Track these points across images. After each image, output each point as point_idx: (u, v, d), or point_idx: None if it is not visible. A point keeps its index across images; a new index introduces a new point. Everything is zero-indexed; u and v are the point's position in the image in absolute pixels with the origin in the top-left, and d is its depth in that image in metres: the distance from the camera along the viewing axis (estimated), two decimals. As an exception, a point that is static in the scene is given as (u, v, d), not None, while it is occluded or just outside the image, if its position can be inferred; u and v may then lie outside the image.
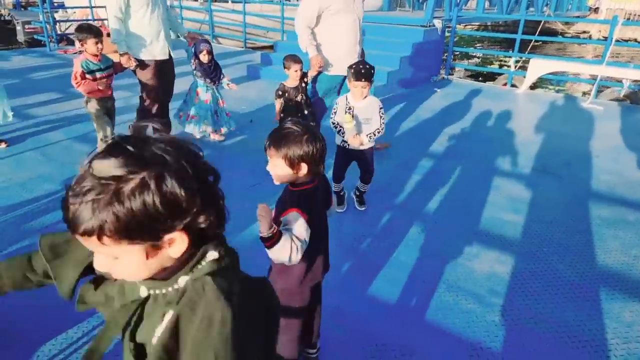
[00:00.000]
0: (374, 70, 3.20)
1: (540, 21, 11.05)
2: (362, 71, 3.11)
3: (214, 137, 5.08)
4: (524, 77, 8.35)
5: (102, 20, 11.40)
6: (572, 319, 2.58)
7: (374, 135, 3.33)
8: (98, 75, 4.00)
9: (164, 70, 4.64)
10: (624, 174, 4.52)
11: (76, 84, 3.95)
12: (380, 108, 3.35)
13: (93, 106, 4.05)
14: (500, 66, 13.00)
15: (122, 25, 4.21)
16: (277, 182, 1.75)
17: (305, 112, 4.33)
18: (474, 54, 15.57)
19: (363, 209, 3.75)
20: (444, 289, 2.81)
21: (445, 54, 9.39)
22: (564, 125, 6.11)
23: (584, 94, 8.89)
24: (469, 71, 12.23)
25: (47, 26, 10.88)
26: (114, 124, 4.41)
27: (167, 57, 4.63)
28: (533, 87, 8.28)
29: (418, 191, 4.14)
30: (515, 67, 10.44)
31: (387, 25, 8.83)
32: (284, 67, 4.27)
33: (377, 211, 3.77)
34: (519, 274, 2.97)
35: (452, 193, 4.08)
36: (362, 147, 3.38)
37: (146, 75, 4.50)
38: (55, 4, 11.55)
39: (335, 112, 3.45)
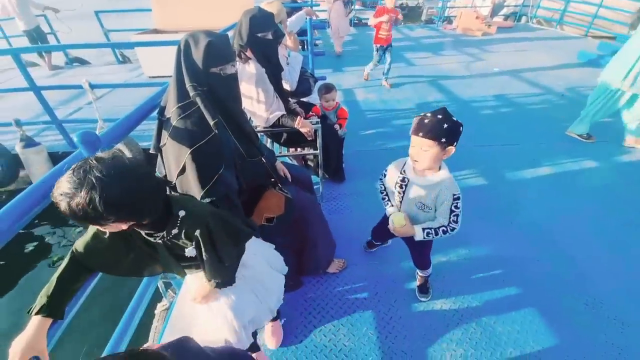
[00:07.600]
0: (456, 128, 1.11)
1: None
2: (425, 121, 1.12)
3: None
4: None
5: (477, 7, 10.14)
6: None
7: (434, 233, 1.29)
8: None
9: None
10: None
11: None
12: (456, 199, 1.23)
13: None
14: None
15: None
16: None
17: None
18: None
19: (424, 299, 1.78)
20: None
21: None
22: None
23: None
24: None
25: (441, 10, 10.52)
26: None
27: None
28: None
29: None
30: None
31: None
32: None
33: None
34: None
35: None
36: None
37: None
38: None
39: (385, 175, 1.48)
